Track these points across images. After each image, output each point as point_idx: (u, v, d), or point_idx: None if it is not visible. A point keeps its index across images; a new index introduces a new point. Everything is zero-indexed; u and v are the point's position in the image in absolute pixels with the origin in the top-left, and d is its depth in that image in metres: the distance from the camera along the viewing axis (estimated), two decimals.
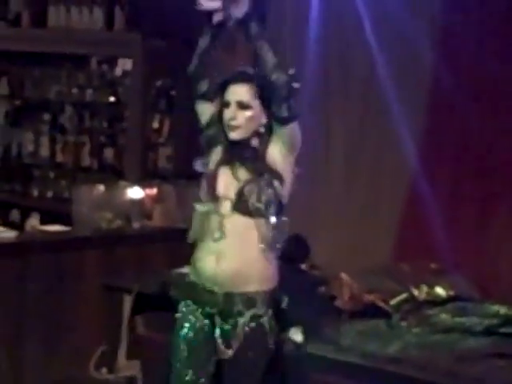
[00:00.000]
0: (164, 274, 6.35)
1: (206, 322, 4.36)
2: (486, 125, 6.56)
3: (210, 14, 4.42)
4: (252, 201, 4.22)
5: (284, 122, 4.16)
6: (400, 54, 6.87)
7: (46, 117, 8.94)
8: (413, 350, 5.28)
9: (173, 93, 8.26)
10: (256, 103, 4.26)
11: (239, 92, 4.26)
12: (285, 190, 4.26)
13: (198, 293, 4.36)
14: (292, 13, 7.50)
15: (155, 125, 8.28)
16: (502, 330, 5.59)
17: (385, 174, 7.02)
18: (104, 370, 6.78)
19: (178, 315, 4.42)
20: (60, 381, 6.65)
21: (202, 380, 4.34)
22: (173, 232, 7.24)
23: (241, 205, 4.24)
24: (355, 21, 7.02)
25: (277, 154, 4.23)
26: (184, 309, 4.44)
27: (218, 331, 4.32)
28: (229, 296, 4.27)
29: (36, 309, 6.68)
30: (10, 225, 8.03)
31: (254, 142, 4.27)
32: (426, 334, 5.59)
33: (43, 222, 8.14)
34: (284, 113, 4.14)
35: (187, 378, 4.35)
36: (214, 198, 4.29)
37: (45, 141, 8.92)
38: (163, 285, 6.09)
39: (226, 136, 4.31)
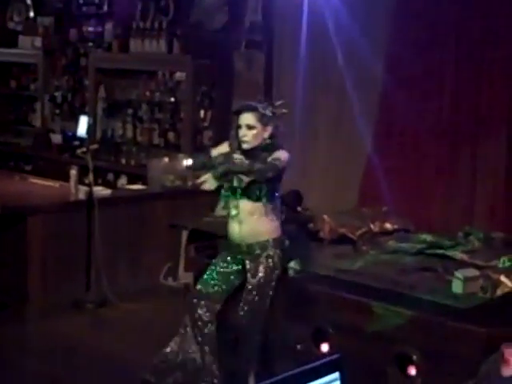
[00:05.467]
0: (208, 217, 6.40)
1: (235, 264, 4.46)
2: (415, 112, 6.55)
3: None
4: (255, 189, 4.32)
5: None
6: (362, 66, 6.82)
7: (130, 111, 8.89)
8: (370, 266, 5.31)
9: (212, 95, 8.24)
10: (258, 124, 4.33)
11: (247, 118, 4.32)
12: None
13: (232, 246, 4.47)
14: (291, 42, 7.47)
15: (201, 116, 8.25)
16: (428, 251, 5.59)
17: (352, 148, 7.00)
18: (169, 278, 6.88)
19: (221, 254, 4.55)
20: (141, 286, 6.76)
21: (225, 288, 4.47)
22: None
23: (247, 192, 4.35)
24: (331, 48, 7.00)
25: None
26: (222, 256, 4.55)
27: (247, 267, 4.41)
28: (250, 245, 4.36)
29: (124, 240, 6.76)
30: (107, 183, 8.11)
31: (259, 151, 4.33)
32: (379, 254, 5.59)
33: (129, 181, 8.21)
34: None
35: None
36: (231, 186, 4.41)
37: (129, 127, 8.88)
38: (207, 224, 6.15)
39: (239, 145, 4.40)
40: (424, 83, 6.54)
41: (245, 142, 4.36)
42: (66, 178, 6.81)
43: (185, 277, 6.37)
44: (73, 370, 5.19)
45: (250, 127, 4.34)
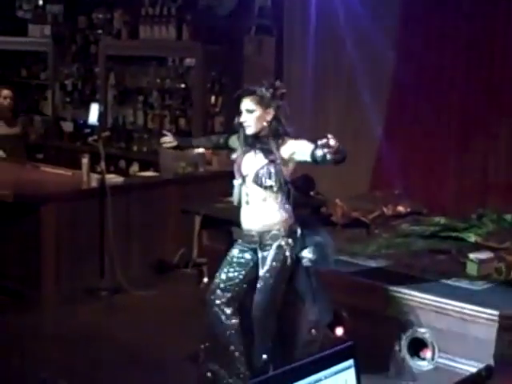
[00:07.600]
0: (220, 202, 6.38)
1: (250, 254, 4.43)
2: (426, 96, 6.52)
3: None
4: (265, 179, 4.27)
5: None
6: (372, 51, 6.80)
7: (140, 98, 8.92)
8: (383, 249, 5.31)
9: (223, 80, 8.23)
10: (258, 107, 4.29)
11: (246, 102, 4.30)
12: (288, 173, 4.32)
13: (244, 235, 4.44)
14: (301, 26, 7.44)
15: (212, 101, 8.25)
16: (442, 234, 5.60)
17: (364, 132, 6.98)
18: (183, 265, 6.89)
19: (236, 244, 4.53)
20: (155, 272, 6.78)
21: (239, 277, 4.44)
22: (225, 173, 7.27)
23: (257, 180, 4.29)
24: (341, 33, 6.97)
25: (287, 153, 4.27)
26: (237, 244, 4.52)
27: (259, 257, 4.39)
28: (261, 234, 4.33)
29: (137, 227, 6.77)
30: (119, 170, 8.11)
31: (270, 140, 4.30)
32: (392, 238, 5.59)
33: (140, 168, 8.21)
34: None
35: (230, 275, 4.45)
36: (241, 175, 4.36)
37: (140, 114, 8.91)
38: (220, 210, 6.13)
39: (244, 132, 4.37)
40: (435, 67, 6.52)
41: (247, 126, 4.34)
42: (78, 166, 6.81)
43: (197, 262, 6.35)
44: (88, 358, 5.19)
45: (249, 111, 4.32)
